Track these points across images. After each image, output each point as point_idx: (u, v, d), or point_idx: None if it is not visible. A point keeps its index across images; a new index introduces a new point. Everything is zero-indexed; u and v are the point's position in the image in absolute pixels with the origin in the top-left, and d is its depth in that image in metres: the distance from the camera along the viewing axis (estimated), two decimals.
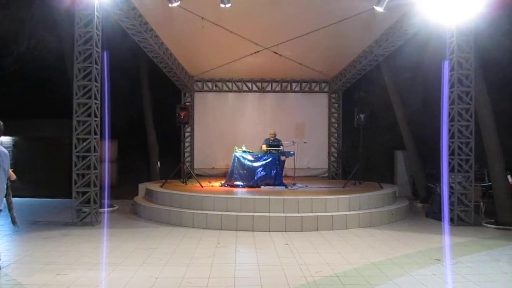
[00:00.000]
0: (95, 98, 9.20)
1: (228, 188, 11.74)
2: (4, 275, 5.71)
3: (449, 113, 9.75)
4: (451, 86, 9.69)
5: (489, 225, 9.43)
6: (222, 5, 8.95)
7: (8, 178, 5.62)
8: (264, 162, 12.00)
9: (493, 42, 10.29)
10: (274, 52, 12.92)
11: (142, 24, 10.52)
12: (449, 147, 9.73)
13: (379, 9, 9.03)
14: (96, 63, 9.23)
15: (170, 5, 8.93)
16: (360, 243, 7.86)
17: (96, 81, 9.22)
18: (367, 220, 9.50)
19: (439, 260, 6.61)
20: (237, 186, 11.82)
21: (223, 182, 12.68)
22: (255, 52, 13.03)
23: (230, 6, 9.02)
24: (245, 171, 12.01)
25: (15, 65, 13.62)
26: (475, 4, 8.48)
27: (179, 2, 8.93)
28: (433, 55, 11.07)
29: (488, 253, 6.95)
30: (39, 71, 14.44)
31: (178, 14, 9.91)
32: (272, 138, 12.78)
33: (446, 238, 8.19)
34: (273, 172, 11.96)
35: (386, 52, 12.12)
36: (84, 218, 9.15)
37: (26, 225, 9.15)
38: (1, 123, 5.27)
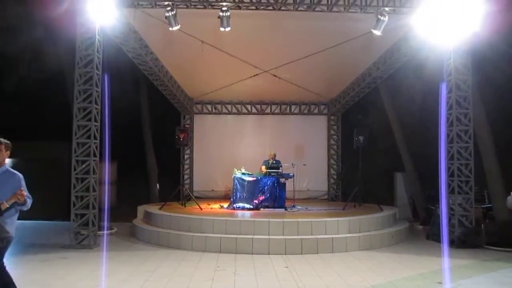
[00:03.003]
0: (95, 120, 9.24)
1: (227, 210, 11.69)
2: None
3: (448, 135, 9.78)
4: (450, 108, 9.74)
5: (490, 247, 9.35)
6: (221, 29, 9.06)
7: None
8: (263, 184, 11.97)
9: (491, 64, 10.40)
10: (273, 75, 13.02)
11: (142, 47, 10.64)
12: (449, 168, 9.72)
13: (377, 32, 9.14)
14: (97, 86, 9.30)
15: (170, 28, 9.04)
16: (360, 266, 7.79)
17: (96, 103, 9.27)
18: (367, 243, 9.43)
19: (440, 283, 6.55)
20: (238, 208, 11.76)
21: (222, 204, 12.65)
22: (254, 75, 13.13)
23: (230, 30, 9.13)
24: (244, 193, 11.97)
25: (16, 86, 13.71)
26: (472, 27, 8.59)
27: (179, 26, 9.05)
28: (431, 77, 11.16)
29: (489, 276, 6.88)
30: (40, 92, 14.52)
31: (178, 37, 10.02)
32: (271, 160, 12.78)
33: (447, 261, 8.12)
34: (272, 194, 11.91)
35: (384, 74, 12.23)
36: (82, 240, 9.07)
37: (23, 247, 9.06)
38: (9, 142, 5.13)
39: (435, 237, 10.30)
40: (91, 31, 9.15)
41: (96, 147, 9.30)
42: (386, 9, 8.95)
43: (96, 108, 9.27)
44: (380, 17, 8.92)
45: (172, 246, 9.39)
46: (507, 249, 9.16)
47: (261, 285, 6.45)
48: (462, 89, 9.66)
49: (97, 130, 9.31)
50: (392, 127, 14.78)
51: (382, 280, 6.70)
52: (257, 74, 13.06)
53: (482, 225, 9.91)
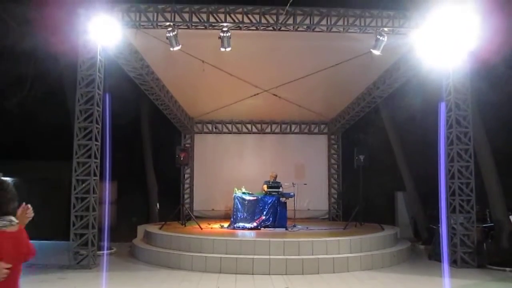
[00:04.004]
0: (96, 140, 9.26)
1: (228, 230, 11.62)
2: None
3: (449, 154, 9.77)
4: (450, 127, 9.76)
5: (493, 267, 9.25)
6: (222, 49, 9.15)
7: None
8: (264, 203, 11.92)
9: (489, 83, 10.46)
10: (274, 94, 13.08)
11: (143, 67, 10.73)
12: (450, 187, 9.69)
13: (376, 52, 9.23)
14: (98, 105, 9.35)
15: (171, 49, 9.13)
16: (362, 286, 7.72)
17: (97, 122, 9.31)
18: (368, 263, 9.34)
19: None
20: (238, 228, 11.69)
21: (223, 224, 12.59)
22: (254, 95, 13.19)
23: (230, 50, 9.21)
24: (245, 213, 11.92)
25: (17, 106, 13.76)
26: (471, 46, 8.67)
27: (180, 46, 9.13)
28: (431, 96, 11.21)
29: None
30: (41, 112, 14.57)
31: (179, 57, 10.10)
32: (272, 180, 12.74)
33: (450, 281, 8.03)
34: (273, 213, 11.85)
35: (384, 93, 12.30)
36: (81, 260, 8.99)
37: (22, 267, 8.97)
38: None
39: (437, 257, 10.20)
40: (92, 51, 9.24)
41: (97, 167, 9.29)
42: (385, 29, 9.06)
43: (97, 128, 9.29)
44: (379, 37, 9.02)
45: (172, 266, 9.30)
46: (510, 268, 9.06)
47: None
48: (462, 108, 9.69)
49: (97, 149, 9.32)
50: (392, 146, 14.79)
51: None
52: (257, 94, 13.12)
53: (485, 244, 9.83)
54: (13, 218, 2.77)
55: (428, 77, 10.48)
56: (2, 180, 2.84)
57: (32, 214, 2.75)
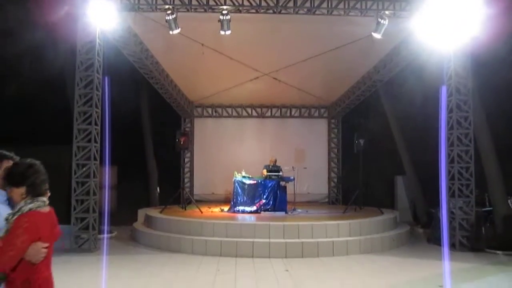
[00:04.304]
0: (95, 124, 9.25)
1: (228, 214, 11.68)
2: None
3: (449, 138, 9.78)
4: (450, 111, 9.75)
5: (491, 250, 9.33)
6: (222, 32, 9.08)
7: None
8: (264, 187, 11.96)
9: (491, 68, 10.40)
10: (274, 78, 13.04)
11: (143, 51, 10.66)
12: (449, 172, 9.72)
13: (377, 35, 9.16)
14: (97, 89, 9.32)
15: (170, 32, 9.06)
16: (361, 270, 7.78)
17: (96, 107, 9.29)
18: (368, 246, 9.41)
19: (441, 286, 6.53)
20: (238, 211, 11.75)
21: (223, 207, 12.65)
22: (254, 78, 13.15)
23: (230, 33, 9.14)
24: (245, 197, 11.96)
25: (16, 91, 13.72)
26: (472, 31, 8.60)
27: (179, 29, 9.06)
28: (432, 81, 11.16)
29: (490, 279, 6.87)
30: (40, 96, 14.52)
31: (178, 41, 10.03)
32: (272, 164, 12.75)
33: (448, 264, 8.10)
34: (273, 197, 11.89)
35: (384, 78, 12.25)
36: (82, 244, 9.06)
37: None
38: None
39: (436, 240, 10.28)
40: (91, 35, 9.17)
41: (97, 151, 9.30)
42: (386, 12, 8.97)
43: (96, 112, 9.28)
44: (380, 20, 8.94)
45: (172, 249, 9.37)
46: (508, 252, 9.14)
47: None
48: (462, 92, 9.67)
49: (97, 133, 9.32)
50: (392, 130, 14.77)
51: (383, 284, 6.69)
52: (257, 77, 13.08)
53: (483, 228, 9.90)
54: (45, 199, 2.81)
55: (429, 61, 10.43)
56: (34, 162, 2.87)
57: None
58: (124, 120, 14.43)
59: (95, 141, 9.24)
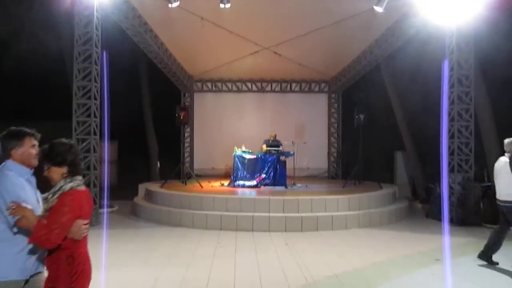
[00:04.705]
0: (95, 99, 9.21)
1: (228, 188, 11.74)
2: None
3: (449, 113, 9.76)
4: (451, 86, 9.70)
5: (488, 225, 9.41)
6: (221, 5, 8.96)
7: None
8: (263, 162, 11.98)
9: (493, 43, 10.30)
10: (274, 52, 12.92)
11: (141, 24, 10.53)
12: (449, 147, 9.74)
13: (379, 9, 9.03)
14: (96, 64, 9.24)
15: (169, 5, 8.94)
16: (360, 244, 7.87)
17: (95, 81, 9.22)
18: (367, 220, 9.50)
19: (439, 260, 6.62)
20: (238, 186, 11.81)
21: (223, 182, 12.71)
22: (254, 52, 13.04)
23: (230, 7, 9.02)
24: (245, 171, 12.00)
25: (14, 66, 13.63)
26: (475, 5, 8.48)
27: (178, 2, 8.94)
28: (433, 56, 11.08)
29: None
30: (39, 72, 14.43)
31: (177, 14, 9.90)
32: (272, 139, 12.75)
33: (446, 238, 8.19)
34: (272, 172, 11.93)
35: (385, 52, 12.12)
36: None
37: None
38: None
39: (434, 215, 10.37)
40: (89, 8, 9.04)
41: (96, 126, 9.29)
42: None
43: (95, 86, 9.22)
44: None
45: (173, 224, 9.46)
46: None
47: (261, 261, 6.52)
48: (464, 67, 9.60)
49: (96, 108, 9.28)
50: (392, 106, 14.74)
51: (382, 258, 6.77)
52: (257, 51, 12.96)
53: (481, 203, 9.97)
54: (81, 178, 2.89)
55: (431, 36, 10.32)
56: (72, 142, 2.93)
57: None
58: (124, 95, 14.38)
59: (95, 116, 9.21)
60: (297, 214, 9.13)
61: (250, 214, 9.09)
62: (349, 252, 7.18)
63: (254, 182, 11.81)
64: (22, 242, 2.70)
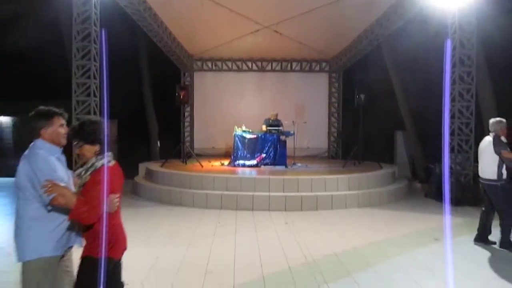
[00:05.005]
0: (94, 78, 9.16)
1: (228, 168, 11.77)
2: (7, 254, 5.76)
3: (450, 94, 9.72)
4: (453, 66, 9.64)
5: None
6: None
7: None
8: (264, 142, 11.99)
9: (495, 22, 10.20)
10: (274, 31, 12.80)
11: (140, 2, 10.40)
12: (450, 127, 9.73)
13: None
14: (95, 42, 9.16)
15: None
16: (359, 223, 7.93)
17: (95, 60, 9.17)
18: (366, 200, 9.55)
19: (438, 239, 6.68)
20: (239, 165, 11.83)
21: (223, 161, 12.73)
22: (255, 31, 12.91)
23: None
24: (245, 151, 12.02)
25: (13, 46, 13.52)
26: None
27: None
28: (434, 35, 10.98)
29: None
30: (38, 51, 14.33)
31: None
32: (273, 119, 12.71)
33: (445, 218, 8.24)
34: (273, 151, 11.95)
35: (387, 31, 12.00)
36: None
37: None
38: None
39: (433, 195, 10.43)
40: None
41: (96, 105, 9.26)
42: None
43: (94, 65, 9.17)
44: None
45: (173, 203, 9.52)
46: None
47: (261, 240, 6.58)
48: (466, 47, 9.53)
49: (96, 88, 9.25)
50: (393, 85, 14.67)
51: (381, 237, 6.83)
52: (258, 30, 12.84)
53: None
54: (111, 153, 3.00)
55: (433, 15, 10.20)
56: (101, 120, 3.05)
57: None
58: (124, 74, 14.31)
59: (95, 95, 9.18)
60: (297, 194, 9.18)
61: (250, 193, 9.14)
62: (349, 231, 7.23)
63: (254, 162, 11.84)
64: (57, 219, 2.83)
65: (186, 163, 12.58)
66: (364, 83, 13.25)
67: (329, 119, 16.73)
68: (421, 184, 12.82)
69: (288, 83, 16.49)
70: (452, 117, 9.68)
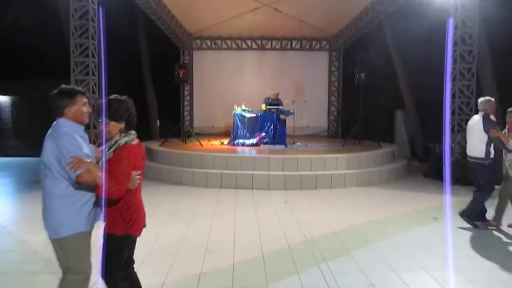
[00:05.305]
0: (93, 57, 9.09)
1: (228, 147, 11.77)
2: (9, 233, 5.81)
3: (451, 73, 9.66)
4: (454, 44, 9.56)
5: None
6: None
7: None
8: (263, 121, 11.96)
9: (497, 1, 10.07)
10: (274, 9, 12.65)
11: None
12: (450, 107, 9.69)
13: None
14: (93, 21, 9.07)
15: None
16: (358, 202, 7.97)
17: (93, 39, 9.09)
18: (365, 179, 9.59)
19: (436, 218, 6.72)
20: (238, 144, 11.83)
21: (223, 140, 12.73)
22: (254, 9, 12.76)
23: None
24: (245, 130, 12.00)
25: (11, 23, 13.37)
26: None
27: None
28: (436, 14, 10.85)
29: None
30: (36, 29, 14.18)
31: None
32: (272, 98, 12.65)
33: (444, 197, 8.29)
34: (272, 130, 11.93)
35: (388, 9, 11.85)
36: None
37: (29, 184, 9.23)
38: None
39: (432, 174, 10.46)
40: None
41: (95, 84, 9.22)
42: None
43: (93, 44, 9.09)
44: None
45: (173, 182, 9.55)
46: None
47: (260, 219, 6.62)
48: (468, 26, 9.43)
49: (95, 66, 9.19)
50: (394, 64, 14.57)
51: (379, 216, 6.88)
52: (257, 8, 12.69)
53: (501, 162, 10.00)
54: (135, 132, 3.04)
55: None
56: (128, 99, 3.06)
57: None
58: (122, 53, 14.19)
59: (93, 74, 9.12)
60: (296, 173, 9.21)
61: (250, 172, 9.17)
62: (348, 210, 7.28)
63: (254, 141, 11.83)
64: (85, 196, 2.89)
65: (185, 142, 12.58)
66: (364, 61, 13.16)
67: (329, 98, 16.67)
68: (420, 163, 12.84)
69: (288, 62, 16.37)
70: (452, 96, 9.65)
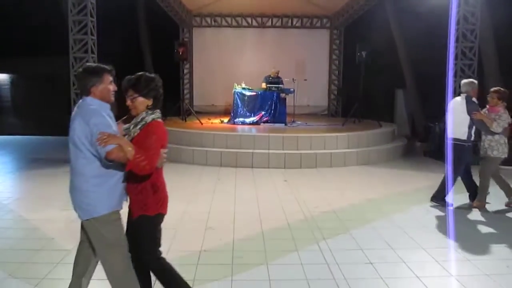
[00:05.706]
0: (92, 34, 9.00)
1: (228, 125, 11.76)
2: (9, 211, 5.85)
3: (453, 52, 9.58)
4: (456, 23, 9.45)
5: None
6: None
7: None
8: (263, 99, 11.92)
9: None
10: None
11: None
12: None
13: None
14: None
15: None
16: (357, 180, 8.01)
17: (91, 16, 8.98)
18: (365, 158, 9.61)
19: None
20: (238, 123, 11.81)
21: (223, 119, 12.71)
22: None
23: None
24: (245, 108, 11.98)
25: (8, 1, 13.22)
26: None
27: None
28: None
29: None
30: (34, 7, 14.02)
31: None
32: (273, 76, 12.57)
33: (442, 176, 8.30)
34: (272, 109, 11.90)
35: None
36: None
37: (27, 162, 9.25)
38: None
39: (432, 154, 10.42)
40: None
41: (94, 62, 9.14)
42: None
43: (91, 21, 8.99)
44: None
45: (173, 160, 9.53)
46: (504, 167, 9.30)
47: (260, 197, 6.67)
48: (471, 4, 9.31)
49: (94, 44, 9.11)
50: (396, 43, 14.44)
51: (378, 194, 6.92)
52: None
53: (478, 143, 10.00)
54: (159, 110, 3.02)
55: None
56: (158, 77, 3.03)
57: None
58: (121, 31, 14.05)
59: (92, 52, 9.06)
60: (296, 151, 9.22)
61: (250, 150, 9.18)
62: (347, 188, 7.32)
63: (254, 119, 11.82)
64: (116, 175, 2.87)
65: (185, 120, 12.55)
66: (365, 40, 13.04)
67: (330, 76, 16.58)
68: (420, 142, 12.84)
69: (288, 40, 16.22)
70: (454, 75, 9.59)
